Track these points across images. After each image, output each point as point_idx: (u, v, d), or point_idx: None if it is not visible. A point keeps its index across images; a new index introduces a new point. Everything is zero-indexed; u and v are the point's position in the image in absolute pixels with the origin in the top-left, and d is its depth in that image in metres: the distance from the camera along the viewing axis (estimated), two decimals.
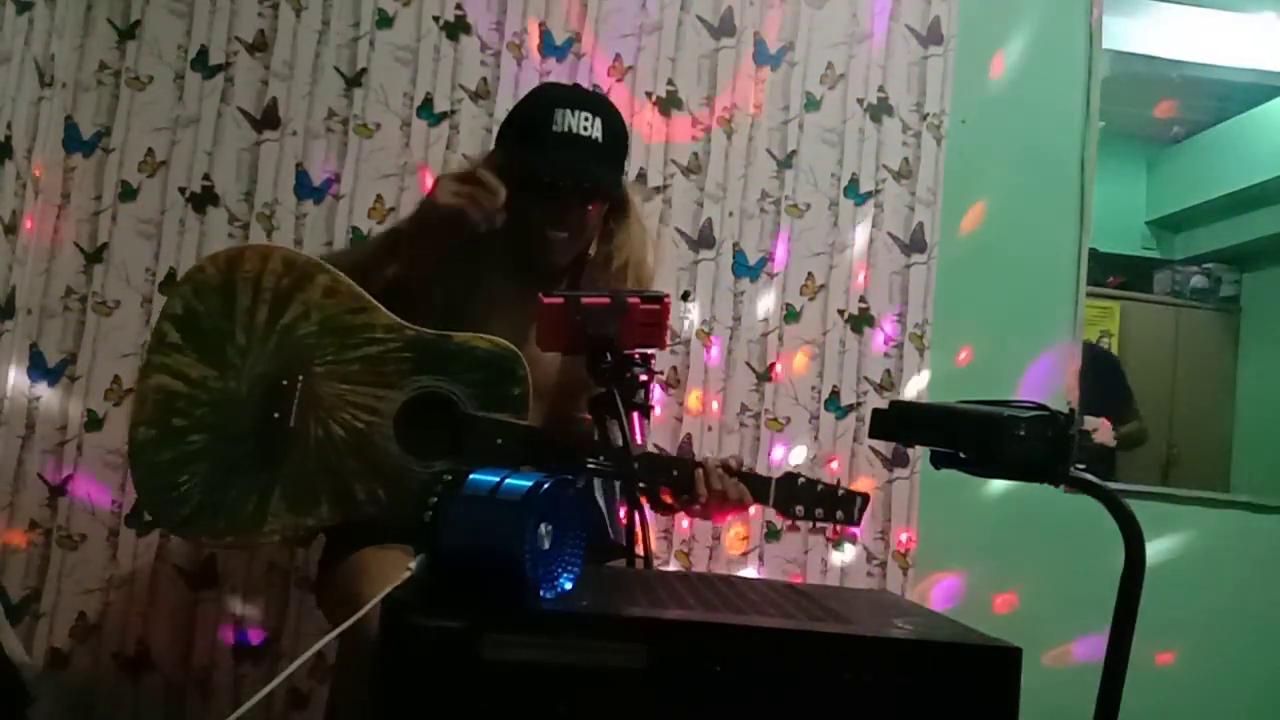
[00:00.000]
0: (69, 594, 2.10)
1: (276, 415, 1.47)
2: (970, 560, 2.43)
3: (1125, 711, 0.94)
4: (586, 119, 1.60)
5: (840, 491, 1.59)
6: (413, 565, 0.87)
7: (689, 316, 2.32)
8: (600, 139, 1.60)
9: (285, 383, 1.48)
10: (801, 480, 1.57)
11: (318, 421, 1.48)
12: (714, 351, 2.34)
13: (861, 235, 2.41)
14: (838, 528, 1.62)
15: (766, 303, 2.36)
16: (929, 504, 2.38)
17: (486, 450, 1.46)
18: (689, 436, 2.30)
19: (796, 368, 2.37)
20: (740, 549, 2.31)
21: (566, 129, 1.59)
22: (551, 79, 2.29)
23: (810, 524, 1.61)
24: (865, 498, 1.59)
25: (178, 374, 1.48)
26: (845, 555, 2.35)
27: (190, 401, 1.47)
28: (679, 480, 1.51)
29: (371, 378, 1.51)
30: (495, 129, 2.24)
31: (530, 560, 0.82)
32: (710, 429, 2.32)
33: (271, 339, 1.49)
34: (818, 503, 1.57)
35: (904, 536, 2.35)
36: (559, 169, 1.58)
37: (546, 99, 1.66)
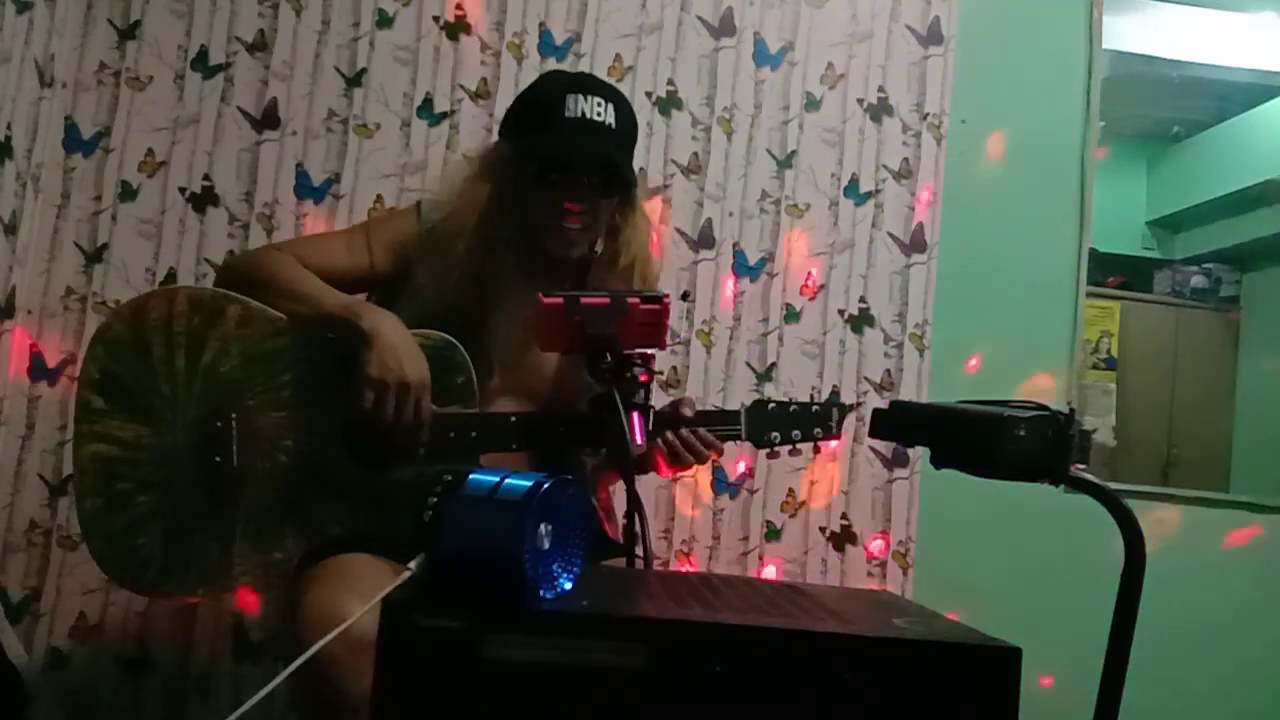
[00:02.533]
0: (69, 594, 2.09)
1: (218, 459, 1.44)
2: (970, 560, 2.44)
3: (1125, 712, 0.94)
4: (599, 104, 1.55)
5: (815, 407, 1.57)
6: (413, 565, 0.87)
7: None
8: (613, 125, 1.56)
9: (219, 424, 1.44)
10: (772, 405, 1.55)
11: (262, 455, 1.45)
12: (714, 352, 2.34)
13: (861, 235, 2.41)
14: (819, 445, 1.58)
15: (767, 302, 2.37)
16: (929, 504, 2.38)
17: (439, 448, 1.44)
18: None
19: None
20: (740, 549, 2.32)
21: (579, 114, 1.53)
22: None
23: (790, 447, 1.58)
24: (843, 406, 1.59)
25: (111, 439, 1.44)
26: (846, 556, 2.35)
27: (130, 464, 1.44)
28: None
29: (307, 398, 1.47)
30: (495, 129, 2.26)
31: (530, 560, 0.82)
32: None
33: (196, 383, 1.45)
34: (794, 424, 1.55)
35: (904, 536, 2.36)
36: (573, 153, 1.53)
37: (557, 85, 1.60)
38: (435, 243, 1.58)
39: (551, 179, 1.54)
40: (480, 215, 1.56)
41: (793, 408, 1.56)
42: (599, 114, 1.55)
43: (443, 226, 1.58)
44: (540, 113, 1.57)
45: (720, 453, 1.58)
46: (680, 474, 1.66)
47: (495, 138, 2.23)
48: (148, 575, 1.46)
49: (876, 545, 2.35)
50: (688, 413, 1.54)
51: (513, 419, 1.51)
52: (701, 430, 1.53)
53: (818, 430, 1.57)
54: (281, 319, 1.48)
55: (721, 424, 1.55)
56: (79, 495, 1.46)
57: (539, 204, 1.56)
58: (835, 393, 2.37)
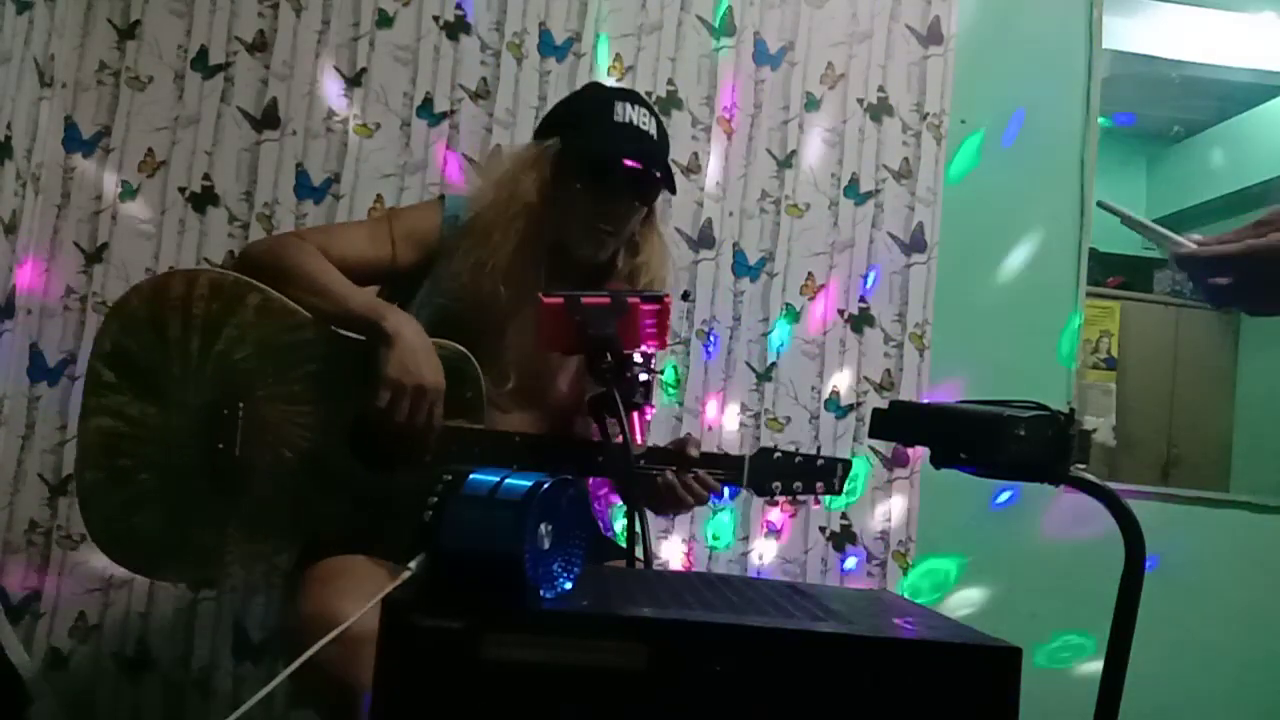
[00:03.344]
0: (69, 594, 2.09)
1: (221, 446, 1.44)
2: (970, 559, 2.44)
3: (1125, 713, 0.94)
4: (645, 115, 1.60)
5: (820, 461, 1.58)
6: (413, 565, 0.87)
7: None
8: (655, 136, 1.60)
9: (226, 412, 1.44)
10: (777, 455, 1.56)
11: (266, 447, 1.45)
12: (713, 351, 2.34)
13: (861, 235, 2.41)
14: (819, 498, 1.60)
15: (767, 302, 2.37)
16: (929, 503, 2.38)
17: (442, 459, 1.44)
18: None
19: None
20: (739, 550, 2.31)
21: (628, 120, 1.57)
22: (551, 79, 2.29)
23: (790, 498, 1.59)
24: (847, 463, 1.59)
25: (117, 414, 1.44)
26: (846, 556, 2.35)
27: (133, 441, 1.44)
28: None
29: (316, 395, 1.47)
30: (495, 129, 2.26)
31: (530, 560, 0.82)
32: (710, 429, 2.32)
33: (208, 367, 1.45)
34: (796, 476, 1.56)
35: (904, 537, 2.36)
36: (623, 152, 1.56)
37: (604, 92, 1.66)
38: (468, 233, 1.57)
39: (595, 176, 1.55)
40: (517, 209, 1.57)
41: (797, 459, 1.57)
42: (644, 123, 1.59)
43: (479, 218, 1.58)
44: (588, 114, 1.60)
45: (720, 494, 1.59)
46: (673, 515, 1.68)
47: (494, 138, 2.25)
48: (140, 554, 1.47)
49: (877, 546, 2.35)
50: (694, 453, 1.55)
51: (517, 439, 1.51)
52: (702, 473, 1.53)
53: (819, 484, 1.57)
54: (301, 313, 1.48)
55: (724, 469, 1.56)
56: (79, 467, 1.46)
57: (578, 201, 1.57)
58: (835, 395, 2.37)
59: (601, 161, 1.55)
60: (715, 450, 1.69)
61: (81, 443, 1.47)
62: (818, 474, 1.57)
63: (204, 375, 1.46)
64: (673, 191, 1.65)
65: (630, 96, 1.63)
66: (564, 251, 1.61)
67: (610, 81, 2.32)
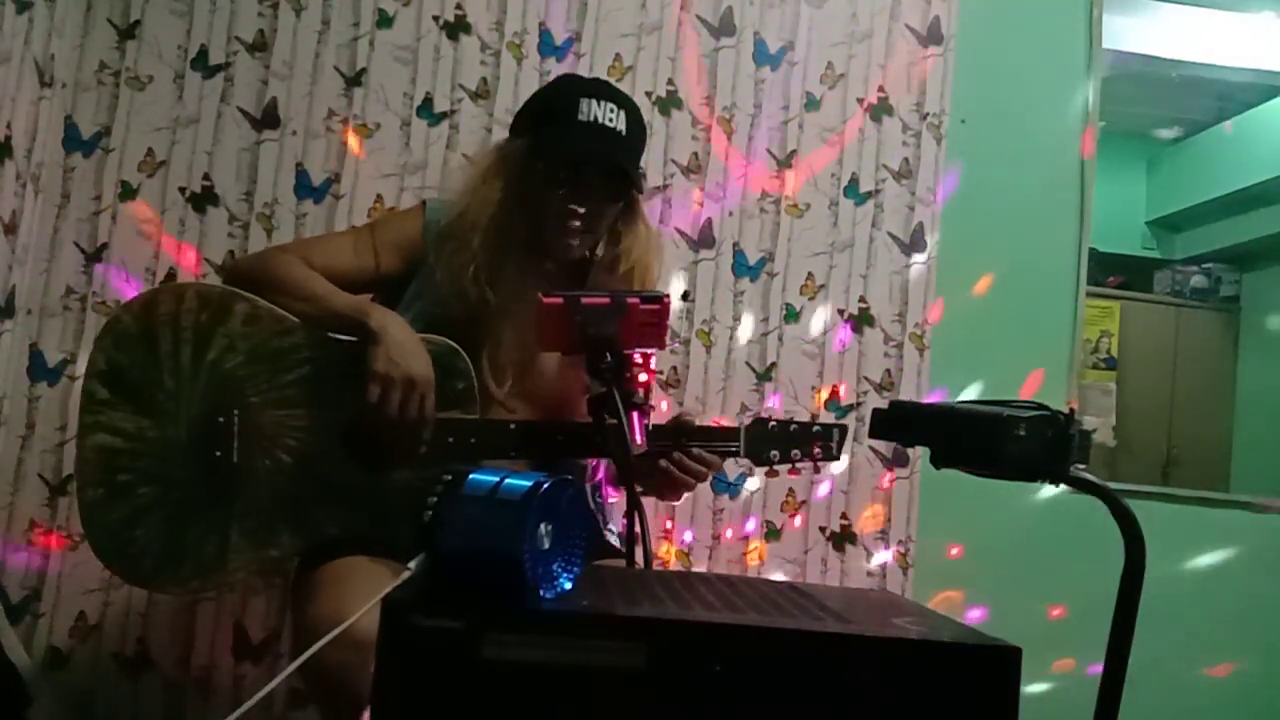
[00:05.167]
0: (69, 594, 2.09)
1: (218, 454, 1.45)
2: (971, 562, 2.44)
3: (1124, 712, 0.94)
4: (611, 110, 1.58)
5: (816, 427, 1.59)
6: (413, 565, 0.87)
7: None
8: (624, 132, 1.59)
9: (221, 420, 1.45)
10: (773, 424, 1.56)
11: (262, 452, 1.46)
12: (714, 352, 2.34)
13: (861, 235, 2.41)
14: (819, 465, 1.61)
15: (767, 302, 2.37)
16: (929, 504, 2.38)
17: (438, 451, 1.45)
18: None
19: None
20: (747, 552, 2.31)
21: (592, 118, 1.56)
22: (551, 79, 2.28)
23: (789, 466, 1.59)
24: (843, 428, 1.60)
25: (114, 430, 1.45)
26: (845, 556, 2.35)
27: (131, 455, 1.45)
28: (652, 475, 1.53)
29: (310, 398, 1.48)
30: (495, 129, 2.26)
31: (530, 560, 0.82)
32: None
33: (201, 378, 1.46)
34: (794, 443, 1.57)
35: (904, 536, 2.35)
36: (582, 154, 1.56)
37: (571, 88, 1.64)
38: (449, 238, 1.58)
39: (560, 178, 1.56)
40: (492, 211, 1.57)
41: (793, 427, 1.57)
42: (611, 120, 1.57)
43: (457, 223, 1.59)
44: (553, 113, 1.60)
45: (720, 469, 1.60)
46: (677, 499, 1.68)
47: (494, 138, 2.25)
48: (144, 567, 1.47)
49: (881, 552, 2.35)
50: (690, 424, 1.55)
51: (512, 426, 1.51)
52: (698, 450, 1.53)
53: (818, 451, 1.58)
54: (289, 319, 1.49)
55: (721, 441, 1.56)
56: (80, 485, 1.47)
57: (546, 202, 1.57)
58: (835, 394, 2.37)
59: (564, 164, 1.55)
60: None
61: (80, 461, 1.47)
62: (815, 440, 1.58)
63: (197, 386, 1.46)
64: (639, 192, 1.64)
65: (599, 91, 1.61)
66: (540, 248, 1.62)
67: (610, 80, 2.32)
